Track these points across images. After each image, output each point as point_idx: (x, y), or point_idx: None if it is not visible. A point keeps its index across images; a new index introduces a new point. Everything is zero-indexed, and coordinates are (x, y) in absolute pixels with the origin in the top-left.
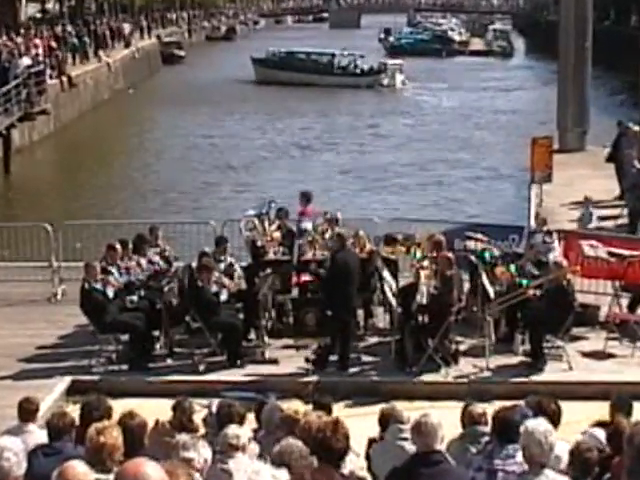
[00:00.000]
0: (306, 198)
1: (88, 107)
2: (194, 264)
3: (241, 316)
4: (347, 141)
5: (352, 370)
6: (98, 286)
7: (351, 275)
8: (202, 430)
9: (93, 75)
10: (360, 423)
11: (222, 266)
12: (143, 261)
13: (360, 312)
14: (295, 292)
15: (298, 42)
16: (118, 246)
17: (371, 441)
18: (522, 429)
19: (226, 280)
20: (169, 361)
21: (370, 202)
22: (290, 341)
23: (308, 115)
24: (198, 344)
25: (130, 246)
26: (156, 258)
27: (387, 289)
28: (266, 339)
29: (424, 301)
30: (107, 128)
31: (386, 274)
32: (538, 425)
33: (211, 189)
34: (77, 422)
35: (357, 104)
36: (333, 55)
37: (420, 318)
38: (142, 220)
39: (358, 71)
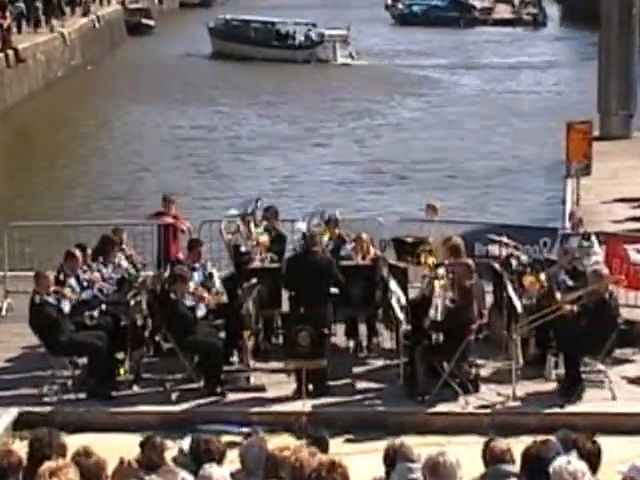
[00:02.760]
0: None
1: (39, 86)
2: (166, 273)
3: (222, 335)
4: (341, 129)
5: (353, 399)
6: (51, 299)
7: (308, 284)
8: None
9: (45, 48)
10: (362, 462)
11: (197, 275)
12: (107, 271)
13: (363, 330)
14: (286, 306)
15: (288, 12)
16: (78, 253)
17: None
18: (550, 469)
19: (204, 292)
20: (135, 388)
21: (375, 199)
22: (280, 364)
23: (265, 97)
24: (170, 368)
25: (89, 252)
26: (124, 263)
27: (394, 302)
28: (251, 362)
29: (438, 317)
30: (61, 112)
31: (393, 285)
32: (567, 464)
33: (186, 185)
34: (25, 461)
35: (298, 81)
36: (272, 24)
37: (434, 337)
38: (103, 221)
39: (296, 43)
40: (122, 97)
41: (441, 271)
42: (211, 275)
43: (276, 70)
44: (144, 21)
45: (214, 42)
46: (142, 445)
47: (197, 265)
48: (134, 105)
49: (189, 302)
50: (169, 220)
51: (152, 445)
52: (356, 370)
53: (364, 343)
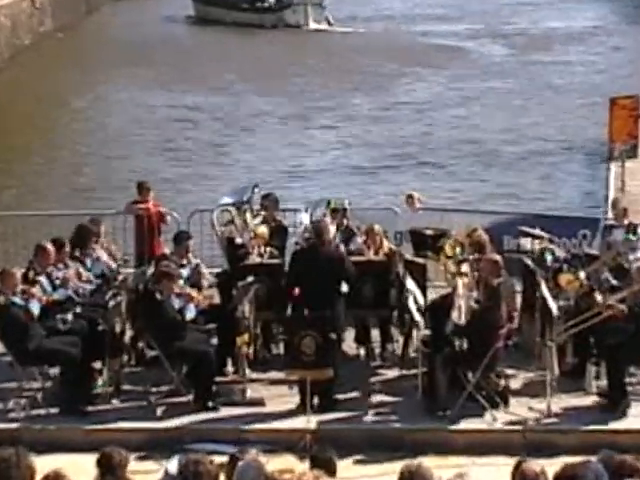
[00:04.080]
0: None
1: (2, 56)
2: (150, 270)
3: (214, 341)
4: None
5: (364, 414)
6: (18, 300)
7: (316, 281)
8: None
9: (10, 12)
10: None
11: (185, 273)
12: (84, 269)
13: (376, 335)
14: (288, 308)
15: None
16: (50, 246)
17: None
18: None
19: (193, 292)
20: (115, 402)
21: (389, 186)
22: (280, 375)
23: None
24: (155, 379)
25: (67, 249)
26: (104, 257)
27: (412, 304)
28: (248, 372)
29: (462, 320)
30: (28, 85)
31: (410, 283)
32: None
33: (173, 170)
34: None
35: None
36: None
37: (457, 343)
38: (78, 211)
39: (265, 5)
40: (98, 70)
41: (465, 268)
42: (199, 271)
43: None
44: None
45: (196, 6)
46: (98, 463)
47: (185, 261)
48: (112, 79)
49: (176, 303)
50: (147, 206)
51: (109, 463)
52: (368, 381)
53: (377, 350)
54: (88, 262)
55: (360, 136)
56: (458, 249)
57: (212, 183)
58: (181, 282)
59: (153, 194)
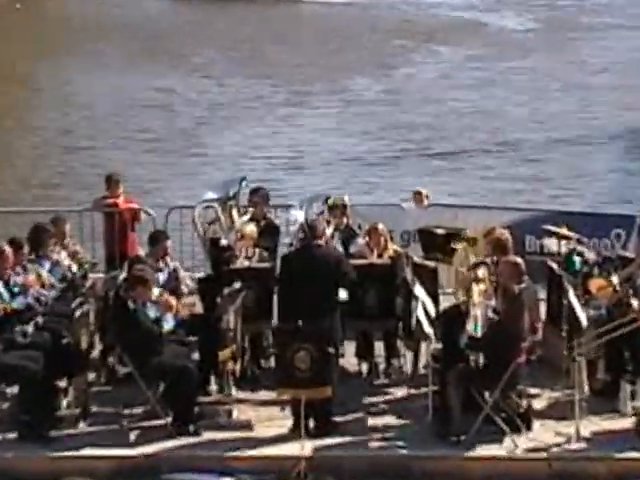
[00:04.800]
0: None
1: None
2: (121, 275)
3: (195, 356)
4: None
5: (366, 439)
6: None
7: (310, 288)
8: None
9: None
10: None
11: (162, 277)
12: (46, 274)
13: (380, 349)
14: (279, 318)
15: None
16: (7, 248)
17: None
18: None
19: (171, 299)
20: (82, 426)
21: (395, 180)
22: (271, 394)
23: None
24: (128, 400)
25: (26, 250)
26: (66, 261)
27: (421, 313)
28: (234, 391)
29: (478, 332)
30: None
31: (419, 290)
32: None
33: (147, 163)
34: None
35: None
36: None
37: (472, 358)
38: (39, 208)
39: None
40: (60, 48)
41: (482, 272)
42: (178, 276)
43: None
44: None
45: None
46: None
47: (162, 265)
48: (75, 59)
49: (152, 312)
50: (117, 202)
51: None
52: (371, 401)
53: (381, 366)
54: (46, 266)
55: (361, 124)
56: (472, 251)
57: (192, 177)
58: (157, 289)
59: (124, 188)
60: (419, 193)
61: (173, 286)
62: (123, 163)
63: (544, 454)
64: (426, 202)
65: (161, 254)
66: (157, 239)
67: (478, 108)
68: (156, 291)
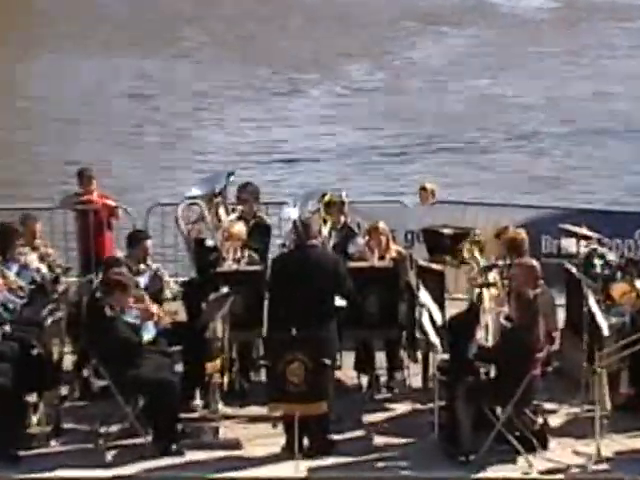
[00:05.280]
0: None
1: None
2: (97, 279)
3: (178, 368)
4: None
5: (367, 459)
6: None
7: (304, 294)
8: None
9: None
10: None
11: (143, 281)
12: (13, 278)
13: (381, 360)
14: (271, 327)
15: None
16: None
17: None
18: None
19: (152, 306)
20: (54, 444)
21: (398, 174)
22: (262, 410)
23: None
24: (104, 416)
25: None
26: (35, 263)
27: (426, 321)
28: (220, 407)
29: (489, 341)
30: None
31: (424, 296)
32: None
33: (124, 157)
34: None
35: None
36: None
37: (482, 370)
38: (6, 205)
39: None
40: (24, 27)
41: (493, 276)
42: (161, 280)
43: None
44: None
45: None
46: None
47: (142, 267)
48: (42, 41)
49: (131, 320)
50: (90, 198)
51: None
52: (371, 418)
53: (382, 379)
54: (14, 269)
55: (360, 114)
56: (479, 252)
57: (175, 171)
58: (138, 293)
59: (98, 184)
60: (424, 189)
61: (156, 290)
62: (97, 157)
63: (561, 476)
64: (432, 199)
65: (141, 256)
66: (137, 239)
67: (489, 96)
68: (136, 295)
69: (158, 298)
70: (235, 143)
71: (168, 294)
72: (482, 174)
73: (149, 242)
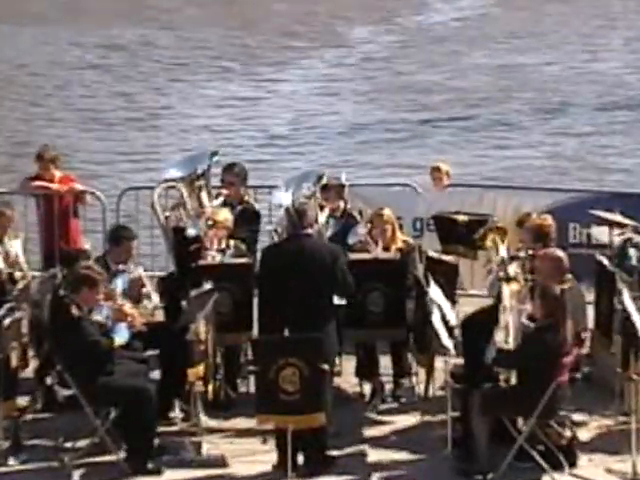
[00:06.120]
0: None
1: None
2: (62, 274)
3: (155, 375)
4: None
5: (369, 477)
6: None
7: (297, 290)
8: None
9: None
10: None
11: (120, 282)
12: None
13: (386, 365)
14: (260, 327)
15: None
16: None
17: None
18: None
19: (126, 305)
20: (13, 463)
21: (405, 155)
22: (251, 422)
23: None
24: (70, 430)
25: None
26: None
27: (437, 320)
28: (203, 419)
29: (510, 343)
30: None
31: (435, 292)
32: None
33: (90, 136)
34: None
35: None
36: None
37: (502, 377)
38: None
39: None
40: None
41: (514, 269)
42: (142, 284)
43: None
44: None
45: None
46: None
47: (121, 267)
48: None
49: (101, 320)
50: (53, 182)
51: None
52: (375, 432)
53: (388, 387)
54: None
55: (362, 85)
56: (501, 242)
57: (149, 152)
58: (110, 290)
59: (63, 168)
60: (437, 169)
61: (133, 299)
62: (60, 138)
63: None
64: (446, 181)
65: (124, 257)
66: (121, 238)
67: (510, 66)
68: (107, 292)
69: (133, 296)
70: (219, 119)
71: (147, 306)
72: (502, 153)
73: (134, 243)
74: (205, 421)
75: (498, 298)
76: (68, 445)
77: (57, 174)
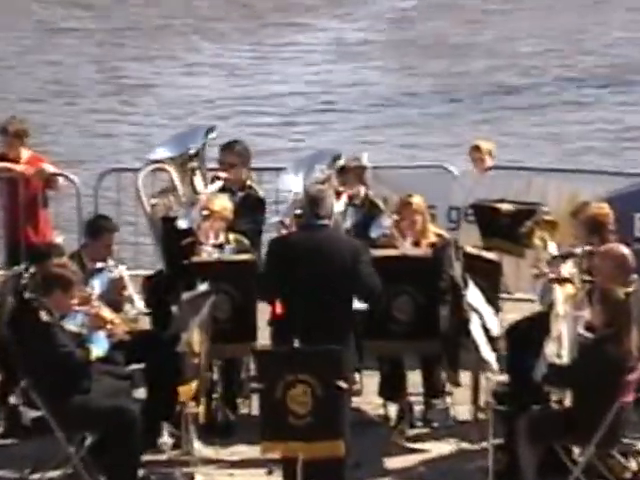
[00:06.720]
0: None
1: None
2: (29, 272)
3: (140, 393)
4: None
5: None
6: None
7: (310, 291)
8: None
9: None
10: None
11: (99, 283)
12: None
13: (415, 383)
14: (265, 335)
15: None
16: None
17: None
18: None
19: (105, 311)
20: None
21: (439, 132)
22: (254, 450)
23: None
24: (38, 457)
25: None
26: None
27: (476, 330)
28: (197, 446)
29: (563, 357)
30: None
31: (474, 295)
32: None
33: (62, 109)
34: None
35: None
36: None
37: (553, 397)
38: None
39: None
40: None
41: (568, 269)
42: (123, 285)
43: None
44: None
45: None
46: None
47: (100, 265)
48: None
49: (75, 328)
50: (18, 162)
51: None
52: (401, 462)
53: (417, 408)
54: None
55: (386, 50)
56: (553, 237)
57: (133, 128)
58: (85, 292)
59: (30, 145)
60: (478, 149)
61: (113, 301)
62: (26, 111)
63: None
64: (488, 162)
65: (104, 251)
66: (99, 230)
67: (566, 30)
68: (83, 295)
69: (114, 303)
70: (216, 91)
71: (129, 311)
72: (554, 130)
73: (114, 234)
74: (199, 449)
75: (549, 303)
76: (35, 477)
77: (25, 153)
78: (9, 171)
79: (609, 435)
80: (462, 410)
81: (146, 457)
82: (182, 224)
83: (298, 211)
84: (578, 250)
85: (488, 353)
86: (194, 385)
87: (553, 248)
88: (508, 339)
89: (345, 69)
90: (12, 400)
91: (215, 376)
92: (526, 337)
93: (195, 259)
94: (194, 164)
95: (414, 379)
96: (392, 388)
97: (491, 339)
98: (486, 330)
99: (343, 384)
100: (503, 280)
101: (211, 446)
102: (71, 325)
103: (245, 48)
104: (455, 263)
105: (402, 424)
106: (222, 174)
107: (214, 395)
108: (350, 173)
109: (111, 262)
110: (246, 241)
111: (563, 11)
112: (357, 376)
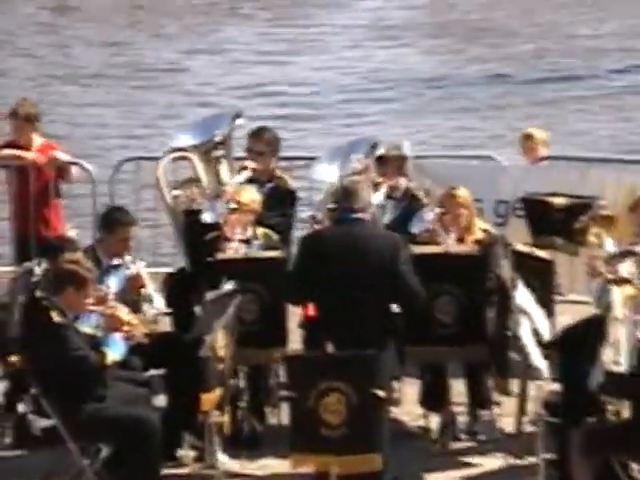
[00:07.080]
0: None
1: None
2: (40, 268)
3: (160, 401)
4: None
5: None
6: None
7: (345, 291)
8: None
9: None
10: None
11: (115, 281)
12: None
13: (459, 392)
14: (296, 339)
15: None
16: None
17: None
18: None
19: (122, 311)
20: None
21: (484, 117)
22: (282, 463)
23: None
24: (50, 470)
25: None
26: None
27: (527, 335)
28: (221, 458)
29: (621, 364)
30: None
31: (524, 297)
32: None
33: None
34: None
35: None
36: None
37: (610, 409)
38: None
39: None
40: None
41: (626, 268)
42: (142, 283)
43: None
44: None
45: None
46: None
47: (116, 261)
48: None
49: (90, 330)
50: (30, 150)
51: None
52: (444, 477)
53: (461, 420)
54: None
55: (425, 28)
56: (606, 233)
57: (152, 113)
58: (101, 291)
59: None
60: (529, 137)
61: (131, 301)
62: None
63: None
64: (541, 152)
65: (121, 247)
66: (116, 223)
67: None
68: (99, 295)
69: (132, 304)
70: (243, 75)
71: (148, 312)
72: (612, 116)
73: (133, 228)
74: (223, 462)
75: (606, 306)
76: None
77: (37, 140)
78: (19, 159)
79: None
80: (510, 422)
81: (165, 471)
82: (206, 217)
83: (332, 205)
84: (638, 248)
85: (539, 359)
86: (218, 392)
87: (610, 245)
88: (561, 344)
89: (385, 52)
90: (20, 408)
91: (241, 383)
92: (581, 342)
93: (220, 255)
94: (219, 152)
95: (458, 388)
96: (434, 397)
97: (542, 345)
98: (537, 335)
99: (380, 392)
100: (556, 280)
101: (236, 459)
102: (85, 326)
103: (281, 31)
104: (503, 261)
105: (444, 437)
106: (250, 163)
107: (240, 404)
108: (389, 163)
109: (128, 258)
110: (275, 236)
111: None
112: (396, 384)
